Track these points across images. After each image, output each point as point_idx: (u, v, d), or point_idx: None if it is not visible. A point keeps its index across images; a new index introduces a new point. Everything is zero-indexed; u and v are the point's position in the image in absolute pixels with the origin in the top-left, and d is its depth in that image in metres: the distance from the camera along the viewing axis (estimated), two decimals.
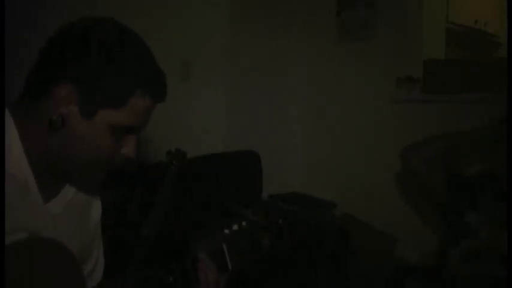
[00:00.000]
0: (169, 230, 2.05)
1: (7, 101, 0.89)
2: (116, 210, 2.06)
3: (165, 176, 2.14)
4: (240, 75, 2.99)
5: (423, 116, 2.64)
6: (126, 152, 0.91)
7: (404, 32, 2.79)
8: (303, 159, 3.27)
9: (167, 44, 2.63)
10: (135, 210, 2.12)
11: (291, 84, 3.19)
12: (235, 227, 1.02)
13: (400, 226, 2.66)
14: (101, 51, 0.81)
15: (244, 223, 1.02)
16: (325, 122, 3.19)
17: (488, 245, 1.47)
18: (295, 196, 3.09)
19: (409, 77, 2.74)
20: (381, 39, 2.86)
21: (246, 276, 2.05)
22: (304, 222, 2.49)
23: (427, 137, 1.67)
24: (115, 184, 2.18)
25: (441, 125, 2.41)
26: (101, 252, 1.10)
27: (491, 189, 1.51)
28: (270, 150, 2.93)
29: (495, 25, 3.63)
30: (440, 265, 1.56)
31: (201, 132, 2.79)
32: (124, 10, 2.39)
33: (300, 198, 3.06)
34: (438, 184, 1.59)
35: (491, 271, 1.44)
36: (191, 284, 0.96)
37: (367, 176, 2.89)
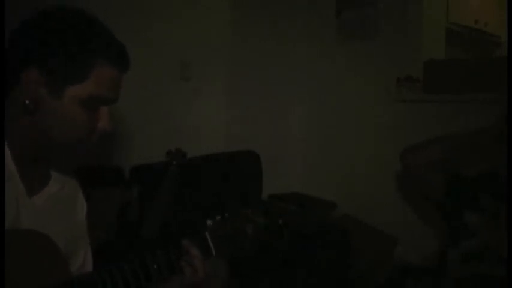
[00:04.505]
0: (169, 230, 2.05)
1: None
2: (116, 210, 2.06)
3: (165, 176, 2.14)
4: (240, 75, 2.99)
5: (423, 116, 2.64)
6: (102, 126, 0.93)
7: (404, 32, 2.79)
8: (302, 159, 3.27)
9: (167, 44, 2.64)
10: (135, 210, 2.12)
11: (291, 84, 3.19)
12: (217, 218, 1.04)
13: (400, 226, 2.66)
14: (57, 33, 0.87)
15: (227, 214, 1.04)
16: (325, 122, 3.19)
17: (488, 245, 1.47)
18: (295, 196, 3.09)
19: (409, 77, 2.74)
20: (381, 39, 2.86)
21: (247, 277, 2.05)
22: (304, 223, 2.50)
23: (427, 139, 1.66)
24: (115, 184, 2.18)
25: (441, 125, 2.41)
26: (89, 251, 1.11)
27: (491, 189, 1.51)
28: (270, 151, 2.93)
29: (495, 25, 3.62)
30: (440, 265, 1.56)
31: (201, 132, 2.79)
32: (124, 10, 2.39)
33: (300, 198, 3.06)
34: (438, 185, 1.59)
35: (491, 271, 1.44)
36: (176, 270, 0.97)
37: (367, 176, 2.89)
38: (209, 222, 1.03)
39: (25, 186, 0.92)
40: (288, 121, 3.24)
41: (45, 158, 0.98)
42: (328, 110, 3.16)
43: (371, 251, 2.64)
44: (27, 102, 0.86)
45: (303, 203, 2.97)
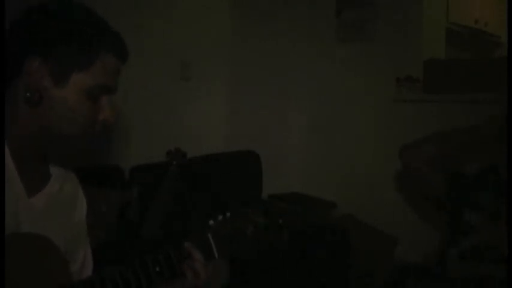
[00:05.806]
0: (169, 230, 2.05)
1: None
2: (116, 210, 2.06)
3: (165, 176, 2.14)
4: (240, 75, 2.99)
5: (423, 116, 2.64)
6: (105, 117, 0.93)
7: (404, 32, 2.79)
8: (302, 159, 3.27)
9: (167, 44, 2.64)
10: (135, 210, 2.12)
11: (291, 84, 3.19)
12: (219, 217, 1.04)
13: (400, 226, 2.66)
14: (60, 21, 0.87)
15: (228, 214, 1.04)
16: (325, 122, 3.19)
17: (488, 244, 1.47)
18: (295, 196, 3.09)
19: (409, 77, 2.74)
20: (381, 39, 2.87)
21: (247, 277, 2.05)
22: (304, 222, 2.50)
23: (426, 136, 1.66)
24: (115, 184, 2.18)
25: (441, 125, 2.40)
26: (89, 252, 1.10)
27: (491, 188, 1.51)
28: (270, 150, 2.93)
29: (495, 25, 3.63)
30: (440, 265, 1.56)
31: (201, 132, 2.79)
32: (124, 10, 2.39)
33: (300, 198, 3.06)
34: (437, 183, 1.59)
35: (491, 271, 1.44)
36: (177, 273, 0.96)
37: (367, 176, 2.90)
38: (211, 222, 1.03)
39: (24, 186, 0.91)
40: (288, 121, 3.24)
41: (45, 156, 0.96)
42: (328, 109, 3.16)
43: (371, 251, 2.64)
44: (30, 93, 0.85)
45: (303, 203, 2.97)
